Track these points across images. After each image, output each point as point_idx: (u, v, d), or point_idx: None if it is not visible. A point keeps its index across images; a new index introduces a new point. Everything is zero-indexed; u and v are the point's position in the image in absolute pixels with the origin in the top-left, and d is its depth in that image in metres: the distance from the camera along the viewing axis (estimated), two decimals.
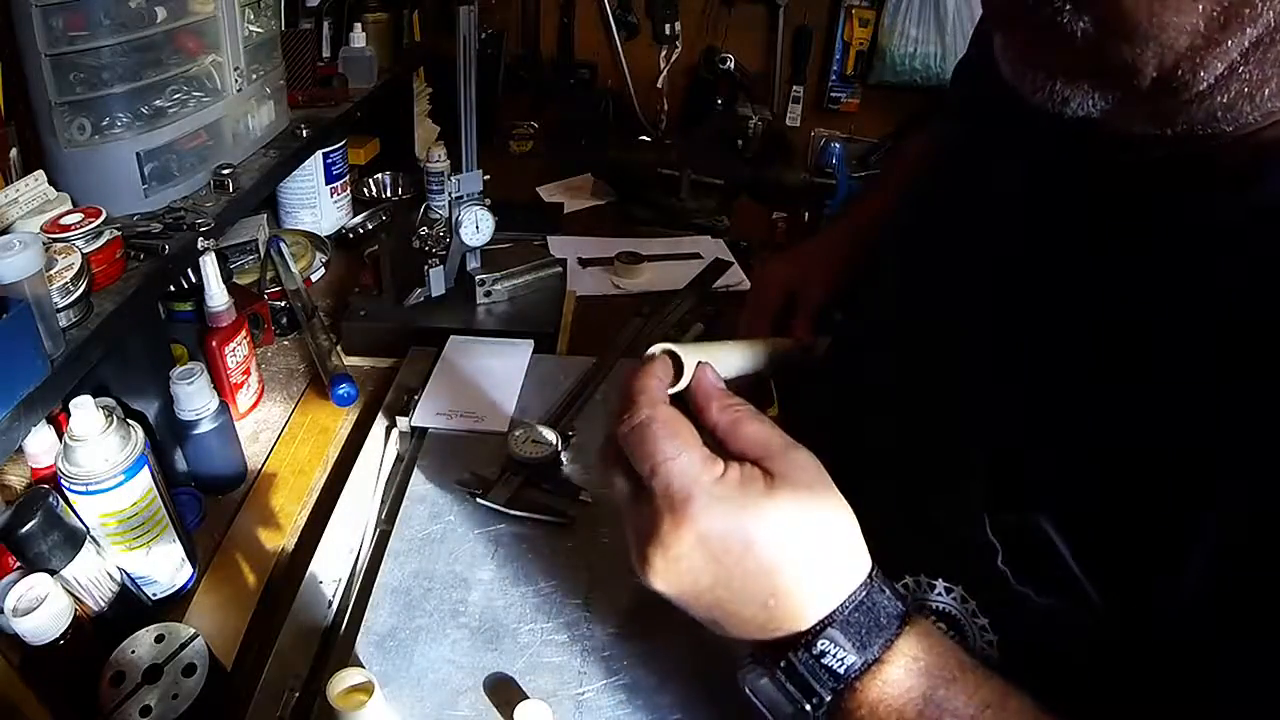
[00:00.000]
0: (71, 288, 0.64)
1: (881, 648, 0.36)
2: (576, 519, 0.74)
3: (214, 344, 0.89)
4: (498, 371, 0.95)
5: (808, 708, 0.37)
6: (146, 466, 0.66)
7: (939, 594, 0.44)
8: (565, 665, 0.62)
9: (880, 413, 0.54)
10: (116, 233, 0.72)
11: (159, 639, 0.59)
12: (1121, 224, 0.42)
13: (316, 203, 1.36)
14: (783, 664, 0.37)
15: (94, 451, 0.63)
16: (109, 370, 0.77)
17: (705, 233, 1.43)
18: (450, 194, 1.04)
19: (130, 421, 0.67)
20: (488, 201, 1.06)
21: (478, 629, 0.65)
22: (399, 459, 0.87)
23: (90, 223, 0.68)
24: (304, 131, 1.07)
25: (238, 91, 0.93)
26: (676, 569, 0.37)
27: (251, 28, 0.96)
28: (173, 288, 0.94)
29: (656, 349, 0.42)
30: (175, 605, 0.72)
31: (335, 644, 0.67)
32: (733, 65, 1.85)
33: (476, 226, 1.05)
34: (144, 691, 0.56)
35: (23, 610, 0.54)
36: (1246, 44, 0.32)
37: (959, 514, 0.43)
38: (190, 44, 0.85)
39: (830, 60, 1.88)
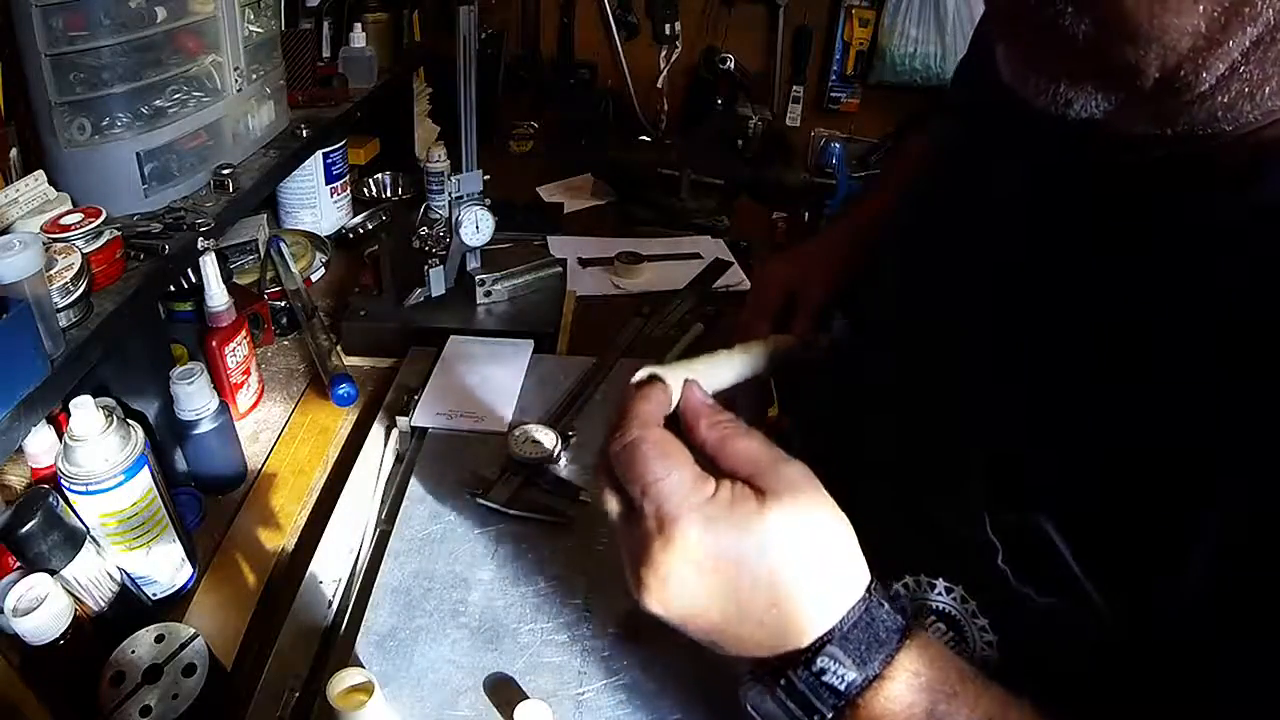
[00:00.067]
0: (71, 288, 0.64)
1: (882, 663, 0.36)
2: (576, 519, 0.74)
3: (214, 344, 0.89)
4: (497, 371, 0.95)
5: None
6: (146, 466, 0.66)
7: (939, 594, 0.44)
8: (565, 665, 0.62)
9: (880, 413, 0.54)
10: (116, 233, 0.72)
11: (159, 639, 0.59)
12: (1122, 224, 0.42)
13: (316, 203, 1.36)
14: (783, 682, 0.37)
15: (94, 451, 0.63)
16: (109, 370, 0.77)
17: (705, 233, 1.43)
18: (450, 194, 1.04)
19: (130, 421, 0.67)
20: (488, 201, 1.06)
21: (478, 629, 0.65)
22: (399, 459, 0.87)
23: (90, 223, 0.68)
24: (304, 131, 1.07)
25: (238, 91, 0.93)
26: (669, 589, 0.37)
27: (251, 28, 0.96)
28: (173, 288, 0.94)
29: (642, 373, 0.42)
30: (175, 605, 0.72)
31: (335, 644, 0.67)
32: (733, 65, 1.85)
33: (476, 226, 1.05)
34: (144, 691, 0.56)
35: (23, 610, 0.54)
36: (1247, 43, 0.32)
37: (959, 513, 0.43)
38: (190, 44, 0.85)
39: (830, 60, 1.88)
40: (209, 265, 0.86)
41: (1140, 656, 0.38)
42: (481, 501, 0.76)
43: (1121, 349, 0.40)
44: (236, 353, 0.91)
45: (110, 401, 0.74)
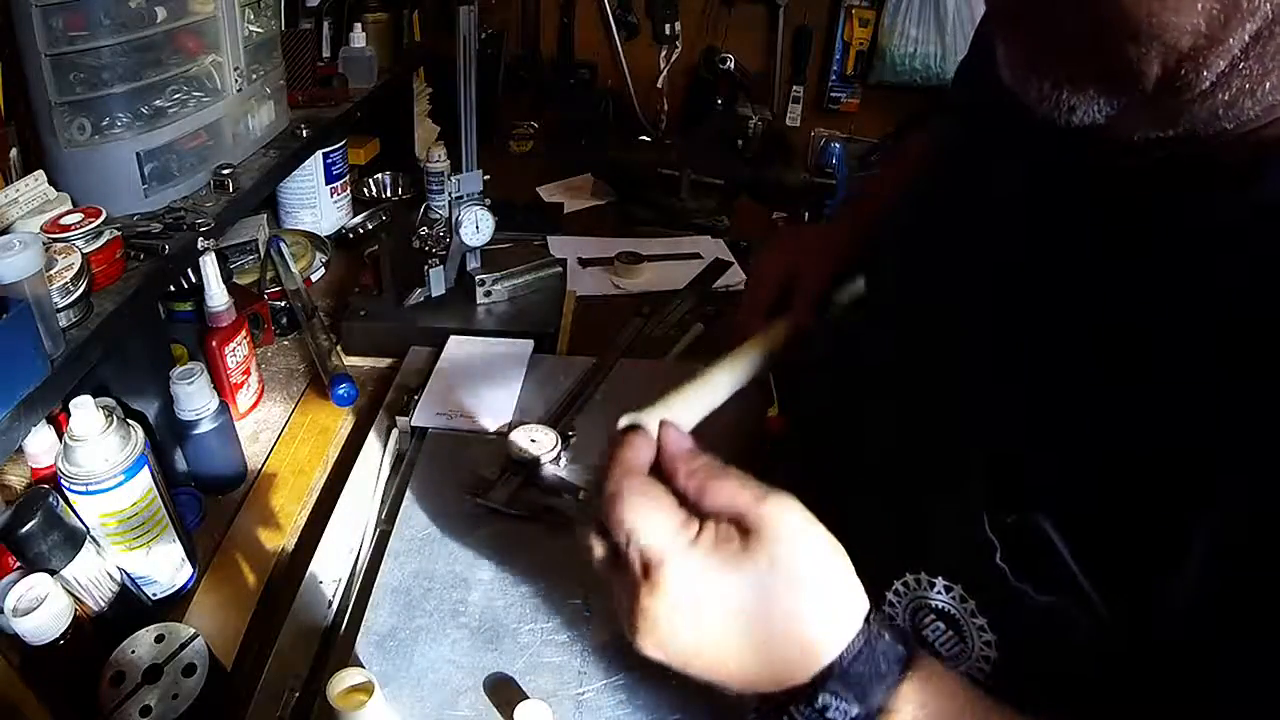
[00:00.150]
0: (71, 288, 0.64)
1: (885, 695, 0.36)
2: (576, 519, 0.74)
3: (214, 344, 0.89)
4: (498, 371, 0.95)
5: None
6: (146, 466, 0.66)
7: (938, 592, 0.44)
8: (565, 665, 0.62)
9: (880, 413, 0.54)
10: (116, 233, 0.72)
11: (159, 639, 0.59)
12: (1122, 225, 0.42)
13: (316, 203, 1.36)
14: (786, 719, 0.37)
15: (94, 451, 0.63)
16: (109, 370, 0.77)
17: (705, 233, 1.43)
18: (450, 194, 1.04)
19: (130, 421, 0.67)
20: (488, 201, 1.06)
21: (478, 629, 0.65)
22: (399, 459, 0.87)
23: (90, 223, 0.68)
24: (304, 131, 1.07)
25: (238, 91, 0.93)
26: (661, 634, 0.37)
27: (251, 28, 0.96)
28: (173, 288, 0.94)
29: (624, 421, 0.42)
30: (175, 605, 0.72)
31: (335, 644, 0.67)
32: (733, 65, 1.85)
33: (476, 226, 1.05)
34: (144, 691, 0.56)
35: (23, 610, 0.54)
36: (1246, 38, 0.32)
37: (958, 512, 0.43)
38: (190, 44, 0.85)
39: (830, 60, 1.88)
40: (209, 265, 0.86)
41: (1139, 656, 0.37)
42: (481, 501, 0.76)
43: (1121, 350, 0.40)
44: (236, 353, 0.91)
45: (110, 401, 0.74)
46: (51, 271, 0.63)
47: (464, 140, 1.01)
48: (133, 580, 0.68)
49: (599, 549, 0.40)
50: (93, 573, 0.62)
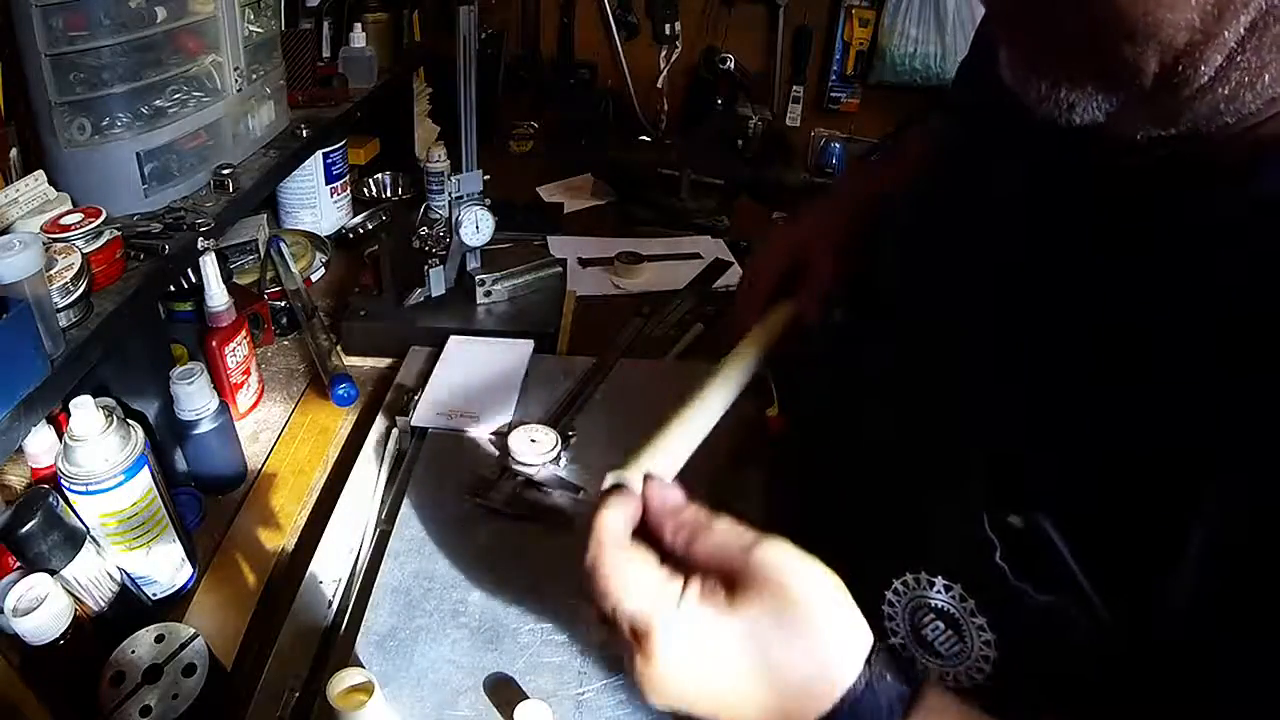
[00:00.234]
0: (71, 288, 0.64)
1: None
2: (576, 519, 0.74)
3: (214, 344, 0.89)
4: (498, 371, 0.95)
5: None
6: (146, 466, 0.66)
7: (938, 591, 0.44)
8: (565, 665, 0.62)
9: (879, 412, 0.54)
10: (116, 233, 0.72)
11: (159, 639, 0.59)
12: (1122, 224, 0.42)
13: (316, 203, 1.36)
14: None
15: (94, 451, 0.63)
16: (109, 370, 0.77)
17: (705, 233, 1.43)
18: (450, 194, 1.04)
19: (130, 421, 0.67)
20: (488, 201, 1.06)
21: (478, 629, 0.65)
22: (399, 459, 0.87)
23: (90, 223, 0.68)
24: (304, 131, 1.07)
25: (238, 91, 0.93)
26: (666, 693, 0.38)
27: (251, 28, 0.96)
28: (173, 288, 0.94)
29: (607, 481, 0.43)
30: (175, 605, 0.72)
31: (335, 644, 0.67)
32: (733, 65, 1.84)
33: (476, 226, 1.05)
34: (144, 691, 0.56)
35: (23, 610, 0.54)
36: (1242, 31, 0.32)
37: (958, 511, 0.43)
38: (190, 44, 0.85)
39: (830, 60, 1.87)
40: (209, 265, 0.86)
41: (1139, 656, 0.37)
42: (481, 502, 0.76)
43: (1122, 350, 0.40)
44: (236, 353, 0.91)
45: (110, 401, 0.74)
46: (51, 271, 0.63)
47: (464, 140, 1.01)
48: (133, 580, 0.68)
49: (594, 612, 0.40)
50: (93, 573, 0.62)
